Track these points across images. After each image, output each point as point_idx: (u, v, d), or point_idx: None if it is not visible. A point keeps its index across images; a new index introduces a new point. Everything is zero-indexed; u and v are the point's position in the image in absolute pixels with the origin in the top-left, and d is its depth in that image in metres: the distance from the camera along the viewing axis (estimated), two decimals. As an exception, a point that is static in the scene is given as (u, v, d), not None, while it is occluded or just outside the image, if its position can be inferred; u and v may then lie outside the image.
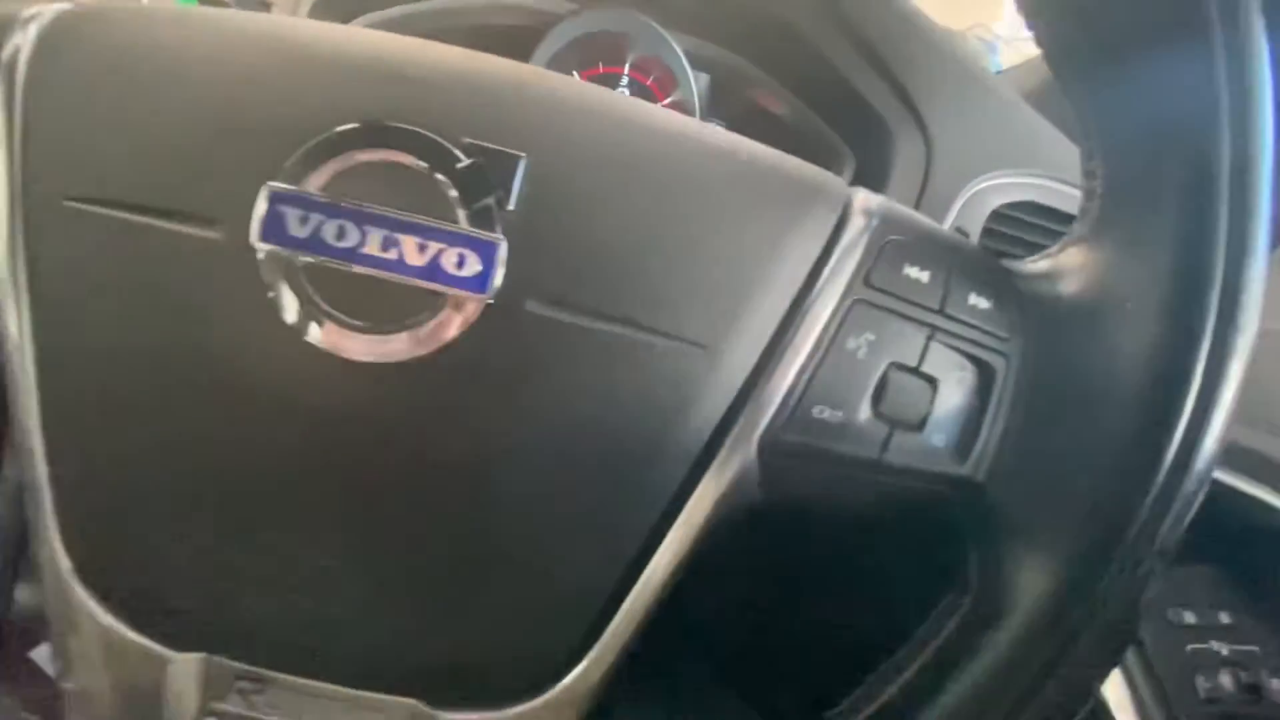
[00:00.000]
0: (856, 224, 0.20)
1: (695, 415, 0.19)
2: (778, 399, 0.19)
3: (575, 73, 0.60)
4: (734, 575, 0.38)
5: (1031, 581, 0.20)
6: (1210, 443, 0.18)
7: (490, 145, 0.18)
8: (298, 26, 0.21)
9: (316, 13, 0.50)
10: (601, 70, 0.60)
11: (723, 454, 0.19)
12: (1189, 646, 0.43)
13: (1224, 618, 0.45)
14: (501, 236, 0.18)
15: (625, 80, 0.60)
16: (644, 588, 0.20)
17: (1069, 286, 0.21)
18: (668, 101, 0.59)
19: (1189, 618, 0.45)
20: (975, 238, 0.45)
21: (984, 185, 0.45)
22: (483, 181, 0.18)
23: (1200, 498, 0.18)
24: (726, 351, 0.19)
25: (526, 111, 0.20)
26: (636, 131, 0.20)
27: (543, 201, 0.19)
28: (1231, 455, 0.39)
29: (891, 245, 0.20)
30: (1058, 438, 0.20)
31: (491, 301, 0.18)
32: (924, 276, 0.20)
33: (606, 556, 0.20)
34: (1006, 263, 0.22)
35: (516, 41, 0.55)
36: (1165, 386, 0.18)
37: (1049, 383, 0.20)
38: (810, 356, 0.19)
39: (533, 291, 0.19)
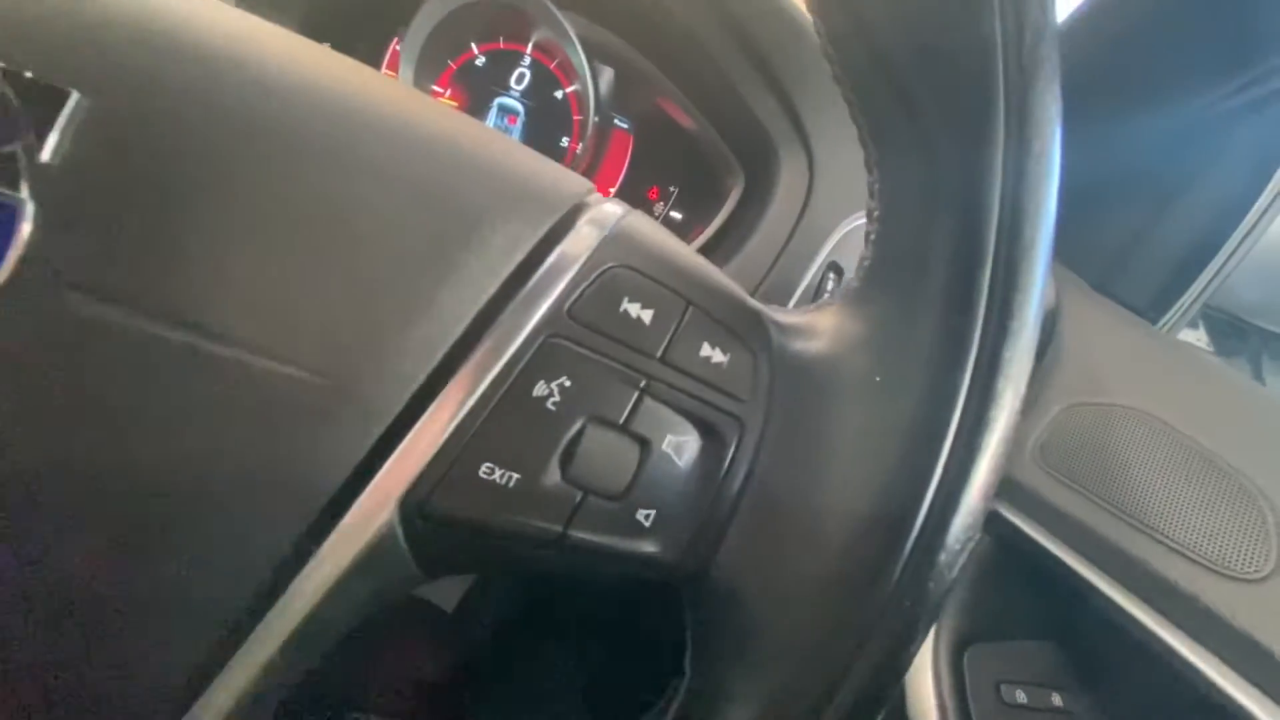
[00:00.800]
0: (579, 238, 0.17)
1: (311, 466, 0.15)
2: (427, 453, 0.15)
3: (472, 44, 0.55)
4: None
5: (744, 698, 0.16)
6: (958, 531, 0.15)
7: (25, 74, 0.14)
8: None
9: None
10: (502, 45, 0.56)
11: (353, 516, 0.15)
12: (1014, 729, 0.41)
13: (1056, 699, 0.43)
14: (24, 197, 0.14)
15: (527, 60, 0.56)
16: (250, 657, 0.15)
17: (821, 345, 0.17)
18: (571, 89, 0.56)
19: (1021, 697, 0.43)
20: (850, 277, 0.42)
21: (864, 222, 0.42)
22: (27, 123, 0.14)
23: (946, 593, 0.15)
24: (359, 386, 0.15)
25: (97, 38, 0.15)
26: (277, 82, 0.15)
27: (100, 160, 0.14)
28: (1074, 534, 0.37)
29: (611, 274, 0.16)
30: (791, 520, 0.16)
31: (21, 286, 0.14)
32: (645, 316, 0.16)
33: (204, 619, 0.15)
34: (763, 308, 0.19)
35: (410, 3, 0.50)
36: (911, 470, 0.15)
37: (786, 454, 0.17)
38: (480, 402, 0.15)
39: (72, 278, 0.14)
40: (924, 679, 0.42)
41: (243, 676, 0.15)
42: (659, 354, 0.16)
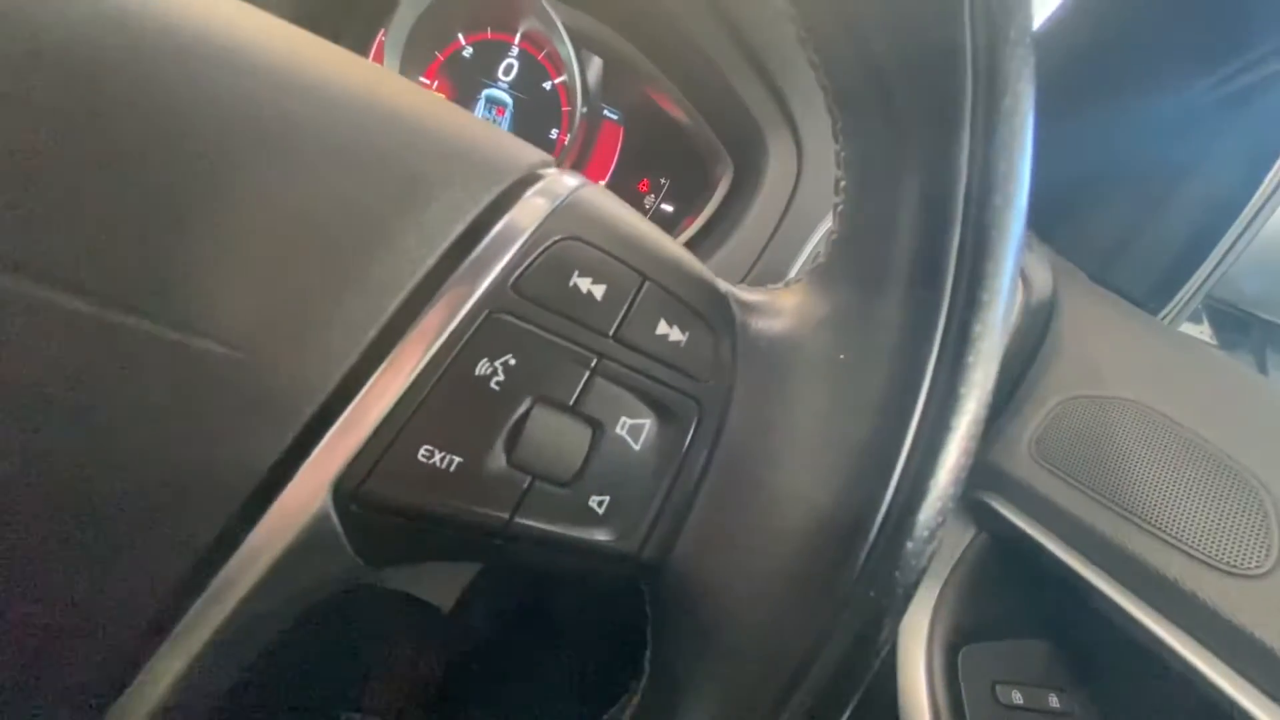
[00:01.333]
0: (527, 209, 0.16)
1: (235, 448, 0.14)
2: (362, 435, 0.14)
3: (459, 35, 0.55)
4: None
5: (704, 693, 0.15)
6: (925, 519, 0.14)
7: None
8: None
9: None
10: (490, 36, 0.55)
11: (283, 502, 0.14)
12: (1009, 730, 0.40)
13: (1053, 700, 0.42)
14: None
15: (515, 51, 0.55)
16: (178, 650, 0.15)
17: (785, 324, 0.16)
18: (559, 80, 0.55)
19: (1017, 697, 0.42)
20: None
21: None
22: None
23: (916, 579, 0.14)
24: (286, 363, 0.14)
25: None
26: (166, 29, 0.14)
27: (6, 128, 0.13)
28: (1070, 529, 0.36)
29: (561, 246, 0.16)
30: (749, 505, 0.16)
31: None
32: (597, 291, 0.16)
33: (131, 608, 0.14)
34: (725, 286, 0.18)
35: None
36: (877, 452, 0.14)
37: (745, 436, 0.16)
38: (419, 381, 0.15)
39: None
40: (917, 680, 0.41)
41: (166, 675, 0.15)
42: (611, 331, 0.15)
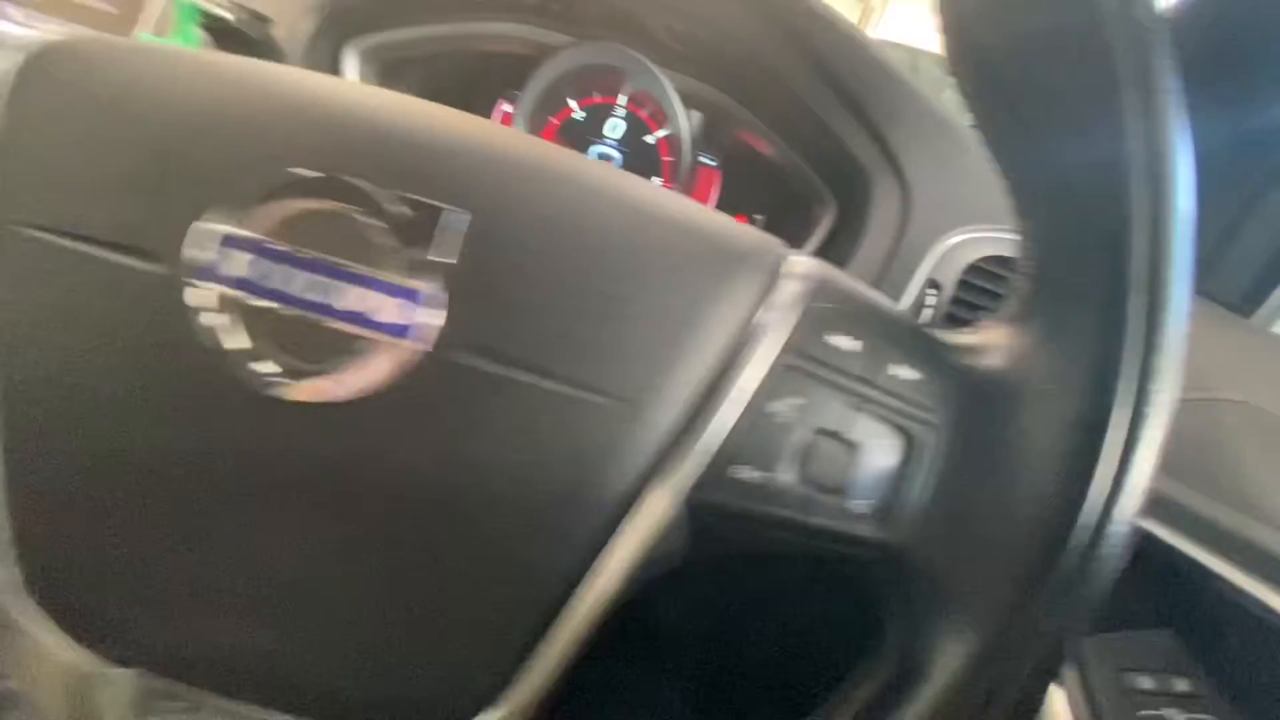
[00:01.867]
0: (786, 289, 0.21)
1: (616, 467, 0.20)
2: (700, 457, 0.20)
3: (572, 100, 0.61)
4: (686, 614, 0.38)
5: (948, 652, 0.20)
6: (1123, 510, 0.18)
7: (429, 200, 0.19)
8: (262, 71, 0.22)
9: (320, 35, 0.51)
10: (597, 100, 0.61)
11: (644, 506, 0.20)
12: (1141, 712, 0.42)
13: (1181, 685, 0.44)
14: (434, 287, 0.19)
15: (621, 111, 0.61)
16: (563, 632, 0.20)
17: (993, 362, 0.21)
18: (660, 134, 0.61)
19: (1145, 683, 0.44)
20: (949, 291, 0.45)
21: (960, 239, 0.45)
22: (420, 234, 0.19)
23: (1116, 562, 0.19)
24: (649, 408, 0.20)
25: (470, 168, 0.20)
26: (575, 192, 0.21)
27: (478, 256, 0.19)
28: (1187, 523, 0.39)
29: (816, 311, 0.21)
30: (979, 507, 0.20)
31: (421, 349, 0.19)
32: (854, 346, 0.21)
33: (525, 599, 0.20)
34: (935, 332, 0.23)
35: (514, 69, 0.56)
36: (1079, 461, 0.18)
37: (973, 454, 0.21)
38: (737, 418, 0.20)
39: (462, 341, 0.19)
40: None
41: (548, 664, 0.20)
42: (866, 375, 0.20)
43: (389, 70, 0.58)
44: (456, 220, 0.19)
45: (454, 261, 0.19)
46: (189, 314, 0.19)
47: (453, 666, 0.21)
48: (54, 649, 0.20)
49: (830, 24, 0.46)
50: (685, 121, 0.56)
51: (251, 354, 0.19)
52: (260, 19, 0.49)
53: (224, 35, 0.48)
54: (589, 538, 0.20)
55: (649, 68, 0.55)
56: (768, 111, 0.53)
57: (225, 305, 0.19)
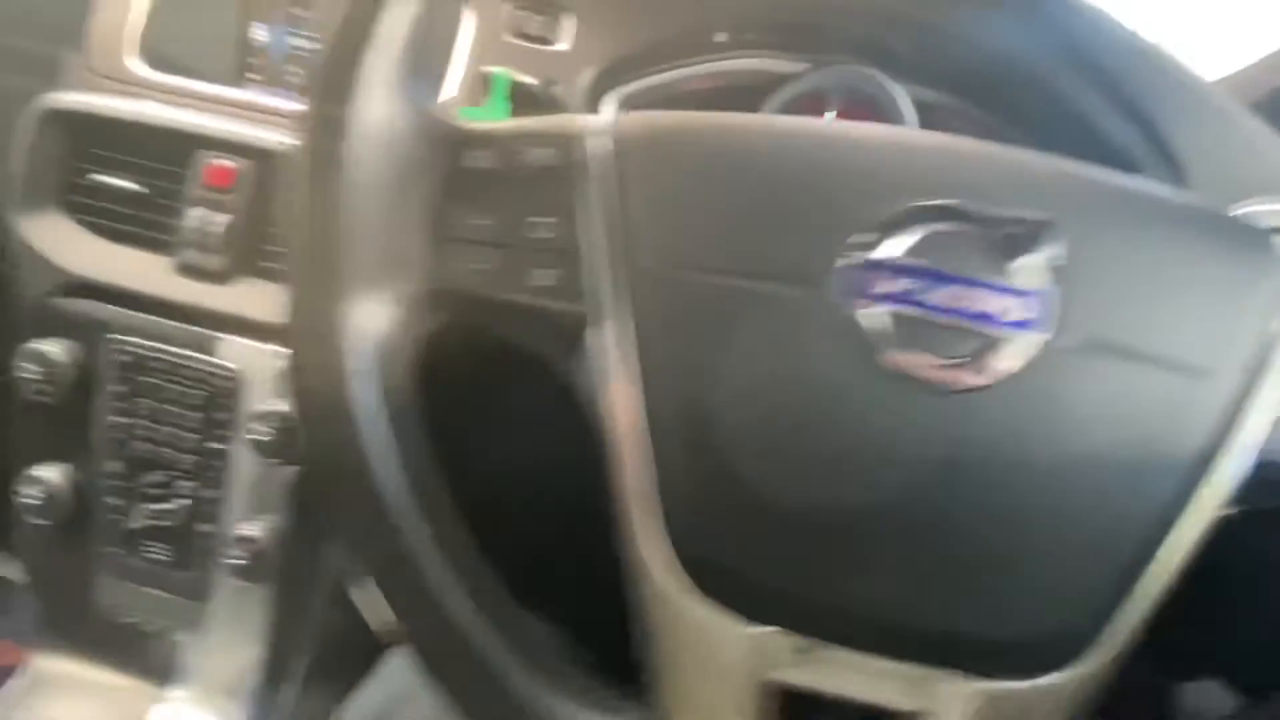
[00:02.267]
0: None
1: (1193, 434, 0.24)
2: (1268, 415, 0.23)
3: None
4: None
5: None
6: None
7: (1030, 216, 0.23)
8: (819, 126, 0.27)
9: (592, 88, 0.57)
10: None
11: (1218, 468, 0.23)
12: None
13: None
14: (1048, 288, 0.23)
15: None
16: (1147, 585, 0.24)
17: None
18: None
19: None
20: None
21: (1241, 213, 0.47)
22: (1025, 242, 0.23)
23: None
24: (1219, 376, 0.24)
25: (1060, 189, 0.25)
26: (1144, 200, 0.25)
27: (1082, 258, 0.24)
28: None
29: None
30: None
31: (1044, 340, 0.23)
32: None
33: (1113, 554, 0.24)
34: None
35: (755, 94, 0.61)
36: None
37: None
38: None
39: (1068, 334, 0.23)
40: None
41: (1127, 625, 0.24)
42: None
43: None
44: (1052, 227, 0.23)
45: (1064, 263, 0.23)
46: (853, 325, 0.23)
47: (1047, 619, 0.24)
48: (706, 617, 0.25)
49: (1094, 21, 0.49)
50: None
51: (912, 353, 0.23)
52: (551, 81, 0.55)
53: (523, 99, 0.54)
54: (1161, 511, 0.23)
55: (881, 83, 0.59)
56: (1024, 118, 0.56)
57: (890, 319, 0.23)
